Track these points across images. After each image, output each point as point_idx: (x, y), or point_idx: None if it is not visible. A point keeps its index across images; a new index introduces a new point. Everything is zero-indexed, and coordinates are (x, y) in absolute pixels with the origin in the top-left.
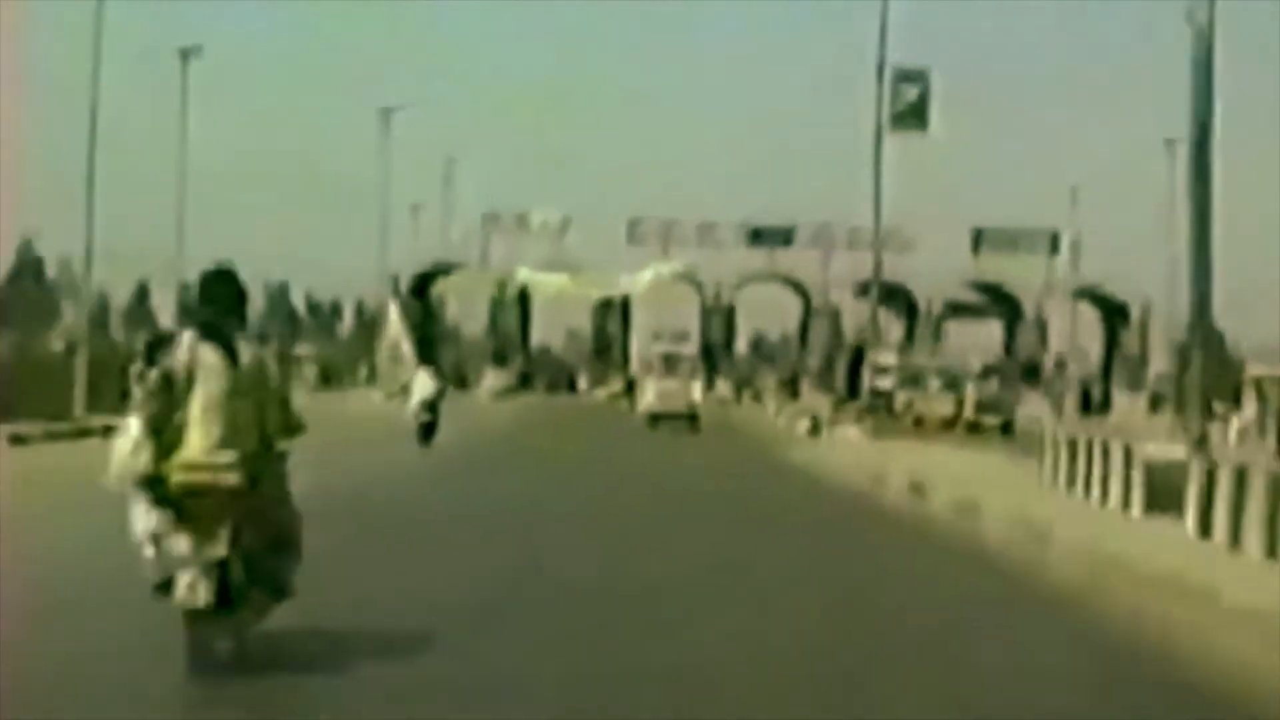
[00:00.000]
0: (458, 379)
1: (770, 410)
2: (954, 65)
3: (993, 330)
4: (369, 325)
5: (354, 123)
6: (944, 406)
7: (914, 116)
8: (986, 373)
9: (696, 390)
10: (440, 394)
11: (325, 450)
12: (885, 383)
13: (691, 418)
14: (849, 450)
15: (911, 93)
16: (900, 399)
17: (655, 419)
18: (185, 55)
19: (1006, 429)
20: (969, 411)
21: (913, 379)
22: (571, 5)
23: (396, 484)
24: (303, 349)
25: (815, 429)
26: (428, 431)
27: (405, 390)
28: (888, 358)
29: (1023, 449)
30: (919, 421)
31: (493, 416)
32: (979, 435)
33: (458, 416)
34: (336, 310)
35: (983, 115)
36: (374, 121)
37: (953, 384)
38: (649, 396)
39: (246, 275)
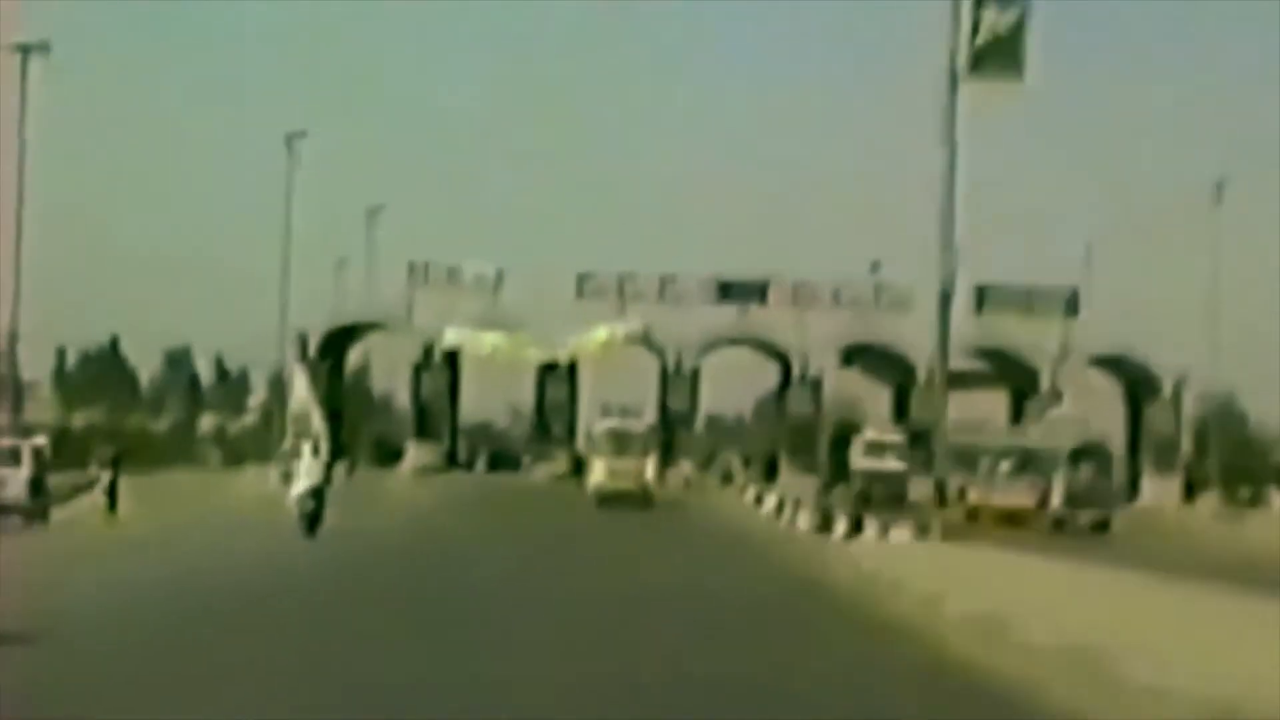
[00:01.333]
0: (388, 454)
1: (747, 496)
2: None
3: (997, 403)
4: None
5: (257, 152)
6: (1019, 497)
7: (1005, 56)
8: (1076, 455)
9: (649, 468)
10: (326, 476)
11: (179, 541)
12: (886, 462)
13: (644, 497)
14: (904, 560)
15: (1003, 21)
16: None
17: (604, 499)
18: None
19: (1103, 527)
20: (1055, 503)
21: (965, 459)
22: (510, 35)
23: (252, 590)
24: (207, 422)
25: (825, 523)
26: (312, 519)
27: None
28: (887, 433)
29: (1144, 558)
30: (973, 515)
31: (411, 499)
32: (1066, 535)
33: (370, 497)
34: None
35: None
36: (279, 151)
37: (1025, 466)
38: (597, 475)
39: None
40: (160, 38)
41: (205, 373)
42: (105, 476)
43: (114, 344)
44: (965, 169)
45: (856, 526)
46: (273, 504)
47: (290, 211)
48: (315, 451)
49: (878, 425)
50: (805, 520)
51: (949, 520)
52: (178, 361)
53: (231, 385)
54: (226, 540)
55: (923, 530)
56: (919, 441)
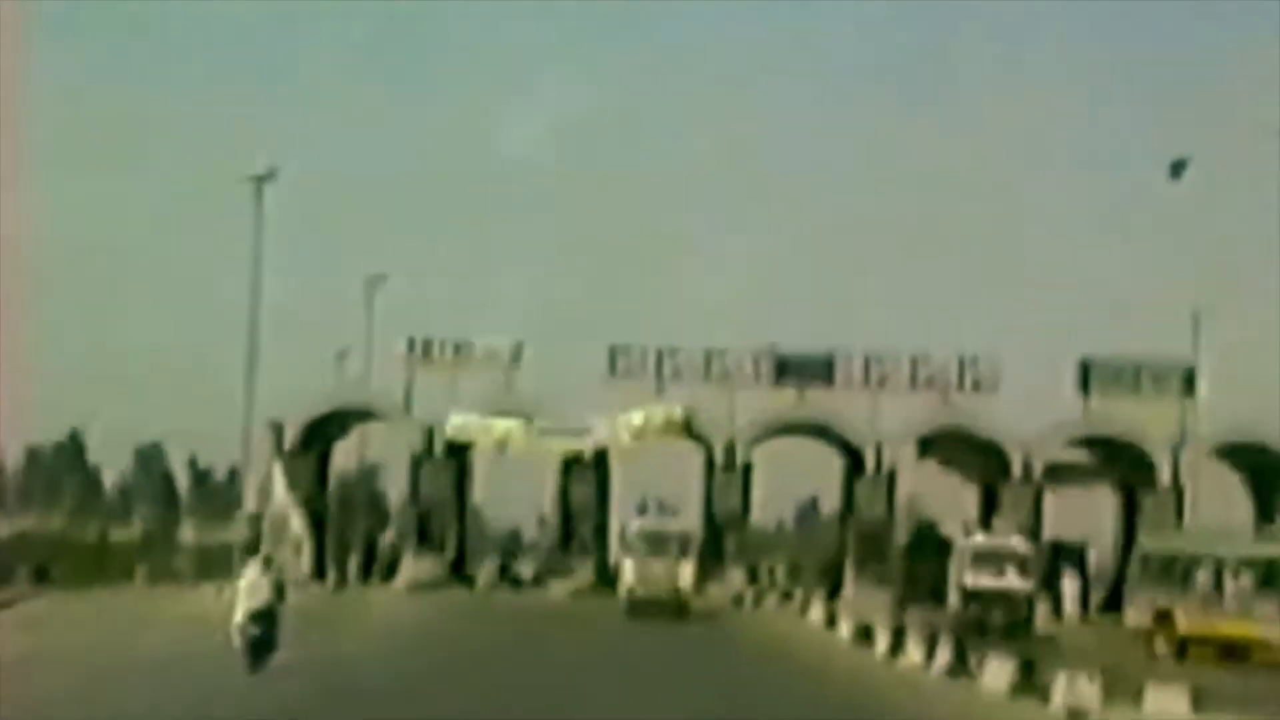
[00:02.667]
0: (382, 566)
1: (812, 614)
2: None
3: (1102, 501)
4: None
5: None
6: (1266, 624)
7: None
8: None
9: (687, 573)
10: (276, 597)
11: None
12: (1006, 579)
13: (679, 606)
14: None
15: None
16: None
17: (634, 607)
18: None
19: None
20: None
21: (1162, 568)
22: (526, 78)
23: None
24: (188, 531)
25: (961, 662)
26: (259, 651)
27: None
28: (1006, 540)
29: None
30: (1178, 645)
31: (396, 622)
32: None
33: (346, 620)
34: (236, 477)
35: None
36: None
37: (1271, 581)
38: (627, 578)
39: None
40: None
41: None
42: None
43: (74, 438)
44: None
45: (960, 660)
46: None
47: (259, 278)
48: (266, 565)
49: (968, 528)
50: (916, 653)
51: (1130, 656)
52: (149, 459)
53: (213, 488)
54: (147, 678)
55: (1110, 676)
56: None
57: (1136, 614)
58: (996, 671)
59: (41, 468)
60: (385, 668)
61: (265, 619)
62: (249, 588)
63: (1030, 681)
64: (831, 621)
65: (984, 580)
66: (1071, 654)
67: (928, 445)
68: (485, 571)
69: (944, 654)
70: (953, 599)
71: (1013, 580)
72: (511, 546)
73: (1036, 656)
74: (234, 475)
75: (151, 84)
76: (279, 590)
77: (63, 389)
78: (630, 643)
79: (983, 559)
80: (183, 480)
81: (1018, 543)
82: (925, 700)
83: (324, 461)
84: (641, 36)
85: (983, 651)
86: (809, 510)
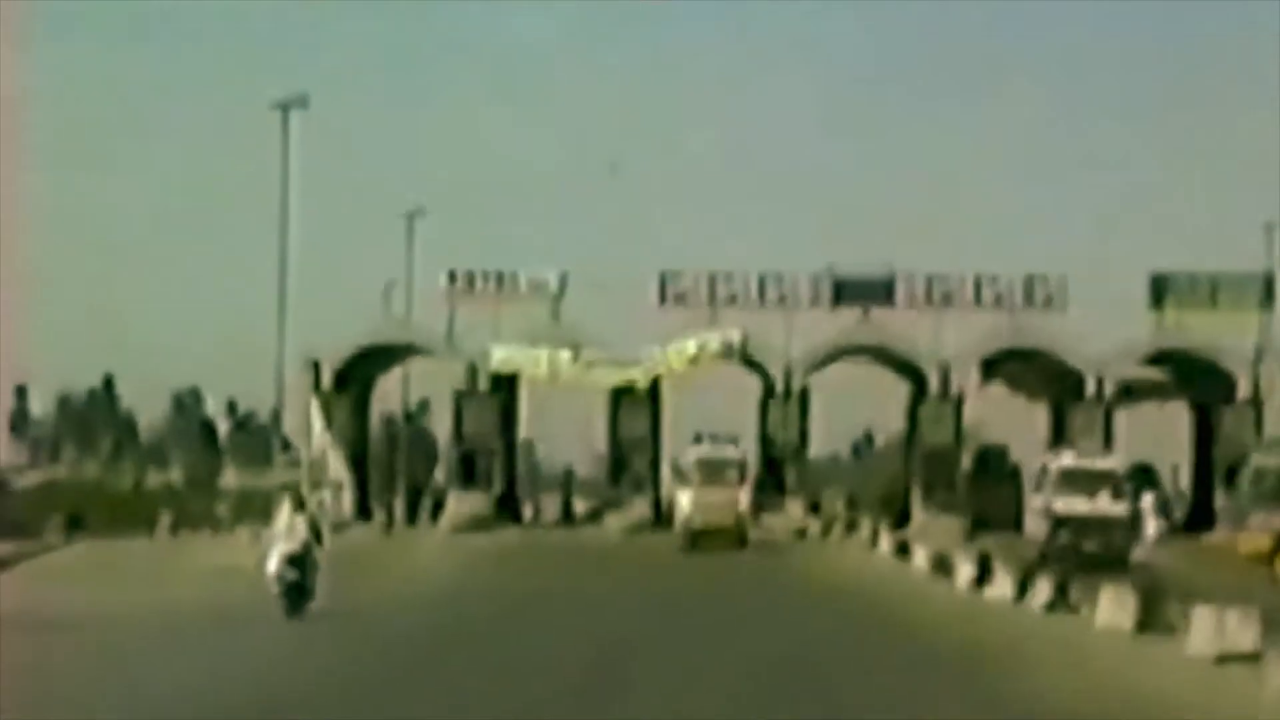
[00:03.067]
0: (430, 506)
1: (882, 545)
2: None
3: (1176, 417)
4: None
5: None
6: None
7: None
8: None
9: (744, 499)
10: (314, 540)
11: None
12: (1098, 503)
13: (739, 534)
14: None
15: None
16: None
17: (694, 538)
18: None
19: None
20: None
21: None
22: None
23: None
24: (230, 476)
25: (1061, 595)
26: (295, 597)
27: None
28: (1097, 458)
29: None
30: None
31: (443, 565)
32: None
33: (391, 563)
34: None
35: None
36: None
37: None
38: (684, 508)
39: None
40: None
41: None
42: None
43: (108, 385)
44: None
45: (1060, 593)
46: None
47: (286, 213)
48: (300, 507)
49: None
50: (1005, 585)
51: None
52: (185, 405)
53: (253, 431)
54: (170, 632)
55: None
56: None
57: (1249, 536)
58: (1113, 607)
59: (74, 415)
60: (426, 615)
61: (301, 563)
62: (283, 531)
63: (1155, 618)
64: (903, 551)
65: (1077, 505)
66: (1178, 584)
67: (992, 367)
68: (532, 508)
69: (1043, 587)
70: (1032, 524)
71: (1107, 504)
72: (565, 483)
73: (1146, 588)
74: (277, 418)
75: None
76: (315, 532)
77: (93, 333)
78: (691, 580)
79: (1072, 481)
80: (222, 425)
81: (1111, 462)
82: (1038, 640)
83: (365, 400)
84: None
85: (1081, 583)
86: (863, 443)
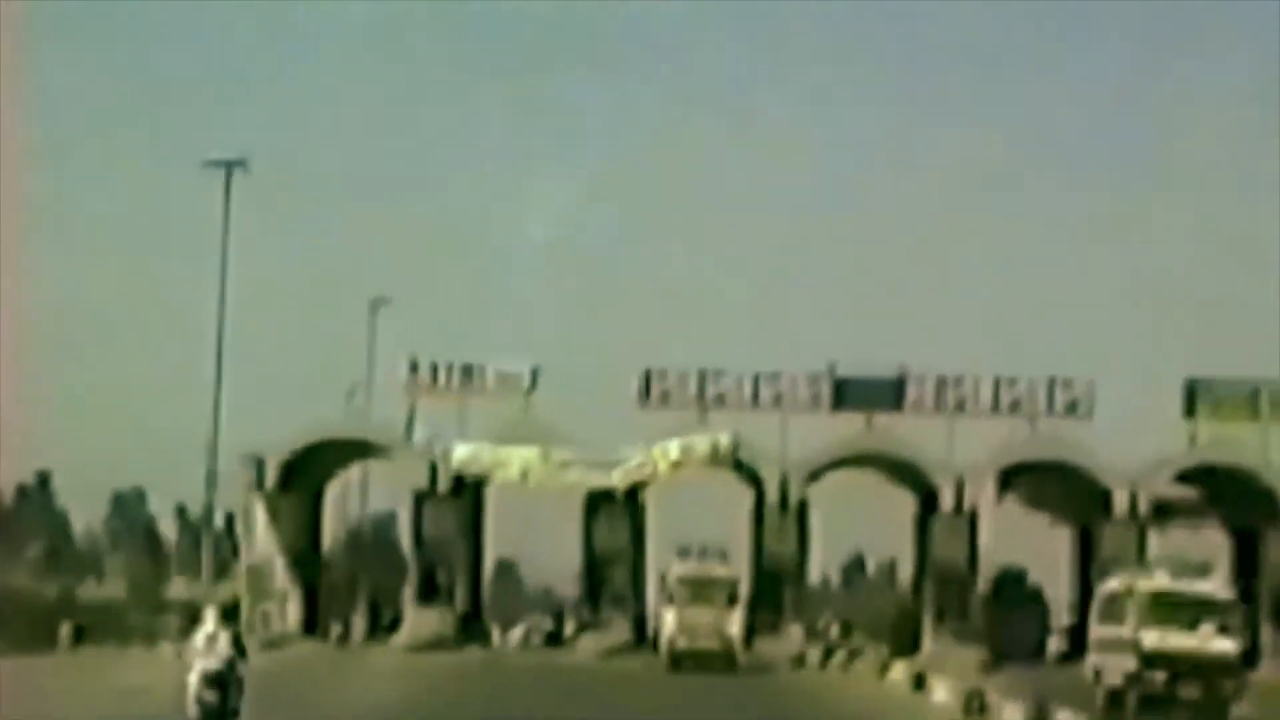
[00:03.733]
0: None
1: (894, 675)
2: None
3: (1214, 542)
4: None
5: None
6: None
7: None
8: None
9: (734, 621)
10: (238, 654)
11: None
12: (1203, 638)
13: (727, 658)
14: None
15: None
16: None
17: (677, 660)
18: None
19: None
20: None
21: None
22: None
23: None
24: (178, 588)
25: None
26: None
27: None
28: (1188, 579)
29: None
30: None
31: (389, 690)
32: None
33: (336, 683)
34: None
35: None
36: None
37: None
38: (668, 628)
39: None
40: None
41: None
42: None
43: (43, 483)
44: None
45: None
46: None
47: (224, 292)
48: (226, 618)
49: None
50: None
51: None
52: (127, 506)
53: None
54: None
55: None
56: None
57: None
58: None
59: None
60: None
61: (223, 682)
62: (204, 643)
63: None
64: (919, 684)
65: (1174, 640)
66: None
67: (1009, 481)
68: (501, 629)
69: None
70: (1101, 661)
71: (1213, 639)
72: (545, 602)
73: None
74: (230, 523)
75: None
76: (239, 647)
77: (27, 424)
78: (680, 714)
79: (1166, 607)
80: (169, 531)
81: (1214, 585)
82: None
83: (316, 503)
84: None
85: None
86: (853, 567)
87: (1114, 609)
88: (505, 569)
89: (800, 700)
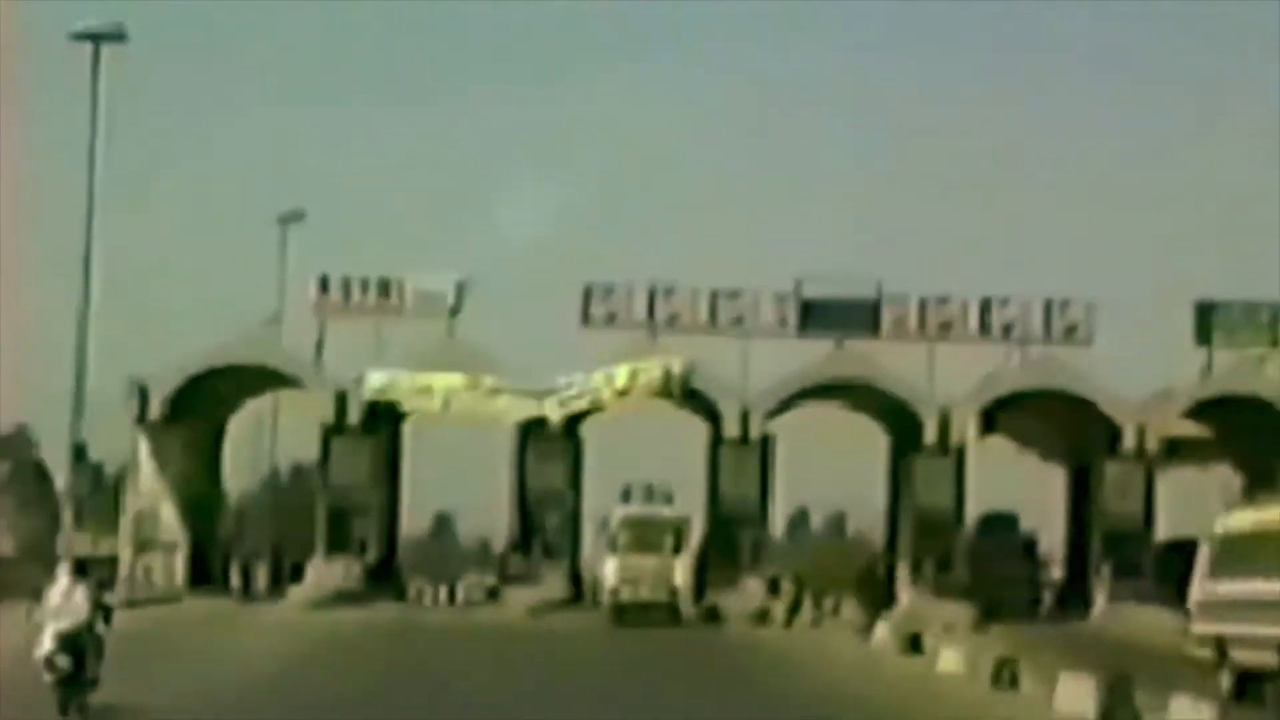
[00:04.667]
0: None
1: (879, 636)
2: None
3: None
4: None
5: None
6: None
7: None
8: None
9: (681, 569)
10: (97, 615)
11: None
12: None
13: (672, 610)
14: None
15: None
16: None
17: (619, 613)
18: None
19: None
20: None
21: None
22: None
23: None
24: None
25: None
26: (70, 689)
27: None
28: None
29: None
30: None
31: (283, 650)
32: None
33: (222, 643)
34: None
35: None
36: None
37: None
38: (610, 578)
39: None
40: None
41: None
42: None
43: None
44: None
45: None
46: None
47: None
48: (79, 571)
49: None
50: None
51: None
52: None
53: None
54: None
55: None
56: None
57: None
58: None
59: None
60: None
61: (79, 646)
62: (55, 604)
63: None
64: (915, 647)
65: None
66: None
67: (993, 415)
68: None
69: None
70: (1211, 622)
71: None
72: (482, 557)
73: None
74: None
75: None
76: (101, 606)
77: None
78: (622, 687)
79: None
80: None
81: None
82: None
83: (213, 439)
84: None
85: None
86: (799, 521)
87: (1221, 560)
88: (443, 523)
89: (774, 667)
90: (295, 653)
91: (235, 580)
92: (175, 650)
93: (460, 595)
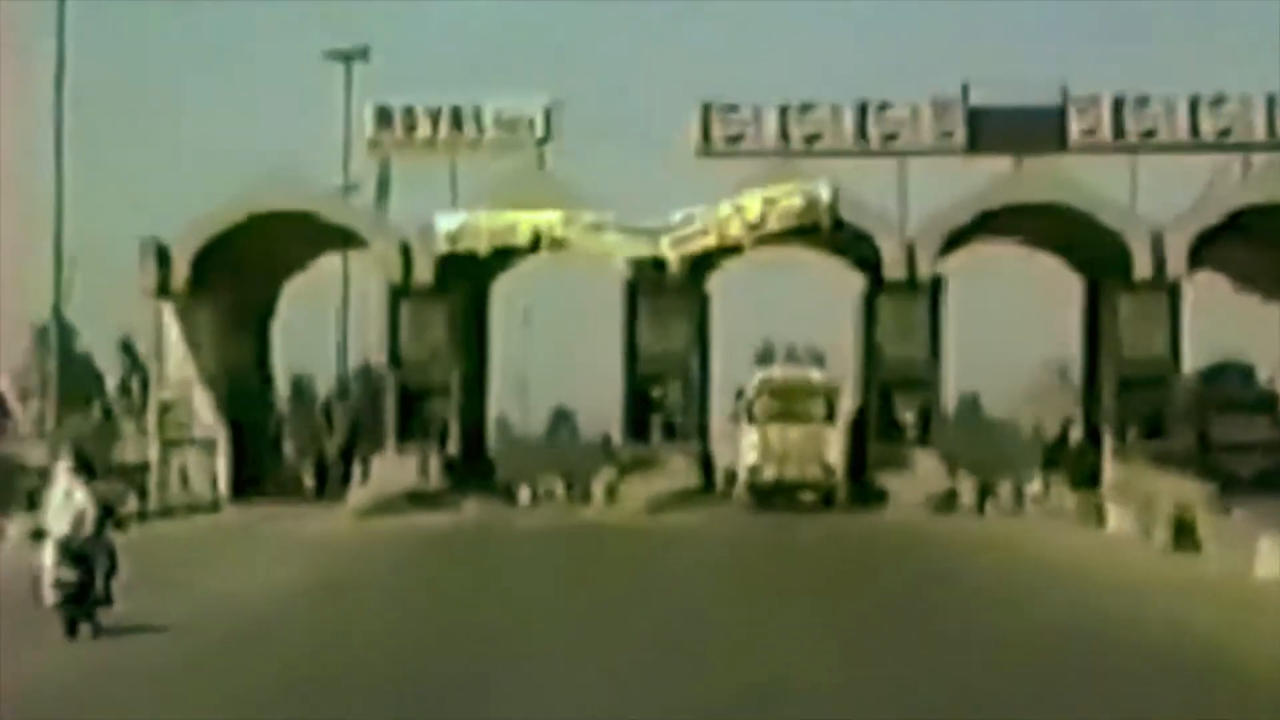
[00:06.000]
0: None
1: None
2: None
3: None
4: None
5: None
6: None
7: None
8: None
9: (836, 445)
10: (114, 518)
11: None
12: None
13: (828, 492)
14: None
15: None
16: None
17: (763, 494)
18: None
19: None
20: None
21: None
22: None
23: None
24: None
25: None
26: (77, 608)
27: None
28: None
29: None
30: None
31: (336, 562)
32: None
33: (266, 551)
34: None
35: None
36: None
37: None
38: (749, 455)
39: None
40: None
41: None
42: None
43: None
44: None
45: None
46: None
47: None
48: (82, 471)
49: None
50: None
51: None
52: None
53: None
54: None
55: None
56: None
57: None
58: None
59: None
60: (267, 646)
61: (85, 558)
62: (56, 510)
63: None
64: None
65: None
66: None
67: (1206, 244)
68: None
69: None
70: None
71: None
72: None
73: None
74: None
75: None
76: (106, 511)
77: None
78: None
79: None
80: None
81: None
82: None
83: (262, 312)
84: None
85: None
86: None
87: None
88: (563, 417)
89: (982, 582)
90: (364, 556)
91: (308, 480)
92: (219, 559)
93: (559, 492)
